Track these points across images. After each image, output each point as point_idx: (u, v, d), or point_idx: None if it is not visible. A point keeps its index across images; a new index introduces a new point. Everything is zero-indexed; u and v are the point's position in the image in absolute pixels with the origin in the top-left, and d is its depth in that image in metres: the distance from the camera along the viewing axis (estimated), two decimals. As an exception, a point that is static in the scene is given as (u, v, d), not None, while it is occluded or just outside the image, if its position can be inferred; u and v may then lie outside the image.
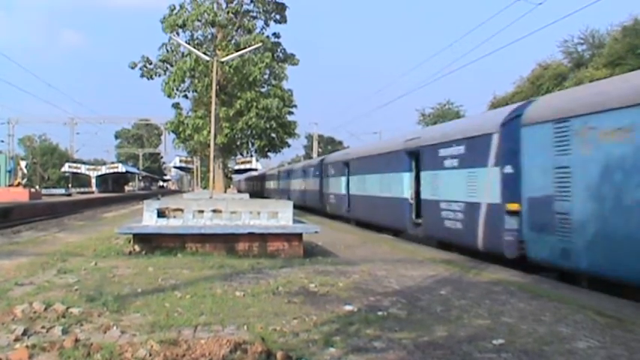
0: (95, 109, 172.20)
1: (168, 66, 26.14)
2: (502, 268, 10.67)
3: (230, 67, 23.44)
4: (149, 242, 11.76)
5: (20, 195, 34.21)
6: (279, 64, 26.96)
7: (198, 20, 25.30)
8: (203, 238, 11.83)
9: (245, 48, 23.22)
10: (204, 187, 40.64)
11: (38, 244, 14.67)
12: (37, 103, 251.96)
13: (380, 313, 6.51)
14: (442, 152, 13.53)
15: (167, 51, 26.37)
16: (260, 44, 24.10)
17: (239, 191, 60.27)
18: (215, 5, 25.83)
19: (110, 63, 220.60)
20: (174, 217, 12.37)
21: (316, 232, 12.84)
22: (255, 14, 27.29)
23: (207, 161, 24.17)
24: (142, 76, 26.45)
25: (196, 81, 24.79)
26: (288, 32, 42.02)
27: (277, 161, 66.77)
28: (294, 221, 12.78)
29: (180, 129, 26.03)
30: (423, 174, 15.00)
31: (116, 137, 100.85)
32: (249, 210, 12.61)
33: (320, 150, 66.94)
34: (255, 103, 24.79)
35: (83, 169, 65.43)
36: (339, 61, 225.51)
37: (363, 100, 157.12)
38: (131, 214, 25.44)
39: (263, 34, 26.64)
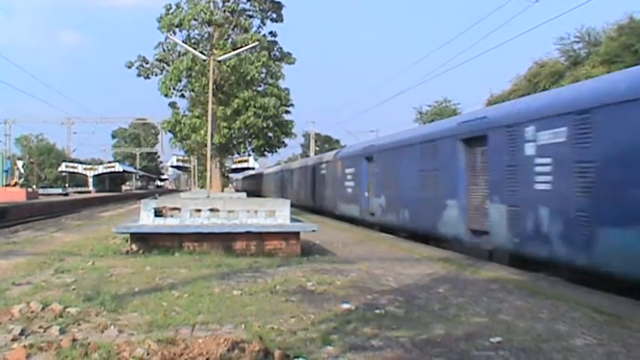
0: (92, 109, 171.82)
1: (165, 65, 26.06)
2: (499, 266, 10.69)
3: (227, 66, 23.41)
4: (146, 241, 11.74)
5: (17, 195, 34.14)
6: (276, 62, 26.93)
7: (195, 19, 25.22)
8: (200, 237, 11.81)
9: (242, 47, 23.19)
10: (202, 187, 40.63)
11: (35, 243, 14.63)
12: (34, 103, 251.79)
13: (377, 311, 6.51)
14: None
15: (164, 50, 26.32)
16: (257, 43, 24.07)
17: (237, 191, 60.10)
18: (211, 4, 25.75)
19: (107, 62, 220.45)
20: (172, 216, 12.35)
21: (313, 230, 12.83)
22: (251, 13, 27.23)
23: (205, 160, 24.13)
24: (139, 75, 26.40)
25: (193, 80, 24.71)
26: (285, 31, 41.98)
27: (274, 160, 66.72)
28: (292, 220, 12.78)
29: (177, 128, 25.97)
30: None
31: (113, 137, 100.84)
32: (247, 209, 12.61)
33: (317, 149, 66.93)
34: (252, 102, 24.76)
35: (80, 168, 65.30)
36: (335, 59, 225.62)
37: (360, 98, 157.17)
38: (128, 214, 25.40)
39: (259, 32, 26.59)
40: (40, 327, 5.56)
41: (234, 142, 27.65)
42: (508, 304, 7.05)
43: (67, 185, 61.68)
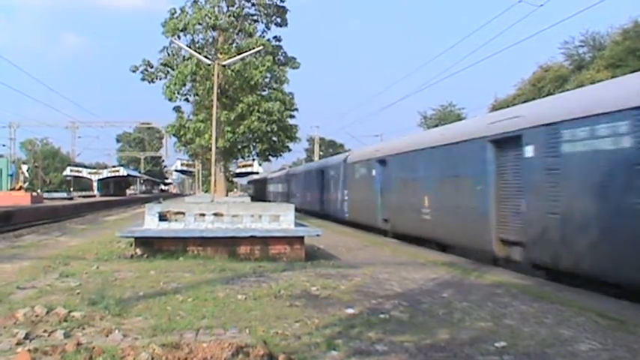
0: (96, 113, 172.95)
1: (170, 69, 26.11)
2: (504, 270, 10.67)
3: (231, 70, 23.46)
4: (151, 246, 11.76)
5: (22, 199, 34.25)
6: (280, 67, 26.97)
7: (199, 24, 25.26)
8: (204, 241, 11.82)
9: (246, 51, 23.23)
10: (206, 191, 40.68)
11: (40, 247, 14.68)
12: (39, 107, 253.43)
13: (382, 315, 6.50)
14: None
15: (168, 54, 26.36)
16: (261, 47, 24.11)
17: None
18: (216, 9, 25.82)
19: (111, 66, 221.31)
20: (176, 220, 12.37)
21: (318, 235, 12.83)
22: (256, 18, 27.27)
23: (209, 165, 24.17)
24: (143, 79, 26.43)
25: (197, 84, 24.79)
26: (289, 35, 42.01)
27: (278, 164, 66.76)
28: (296, 224, 12.77)
29: (182, 132, 26.04)
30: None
31: (117, 141, 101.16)
32: (251, 213, 12.61)
33: (321, 153, 66.93)
34: (256, 107, 24.80)
35: (85, 172, 65.57)
36: (339, 63, 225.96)
37: (364, 102, 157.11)
38: (133, 218, 25.47)
39: (264, 37, 26.64)
40: (45, 331, 5.57)
41: (239, 147, 27.71)
42: (513, 308, 7.03)
43: (71, 189, 61.86)
